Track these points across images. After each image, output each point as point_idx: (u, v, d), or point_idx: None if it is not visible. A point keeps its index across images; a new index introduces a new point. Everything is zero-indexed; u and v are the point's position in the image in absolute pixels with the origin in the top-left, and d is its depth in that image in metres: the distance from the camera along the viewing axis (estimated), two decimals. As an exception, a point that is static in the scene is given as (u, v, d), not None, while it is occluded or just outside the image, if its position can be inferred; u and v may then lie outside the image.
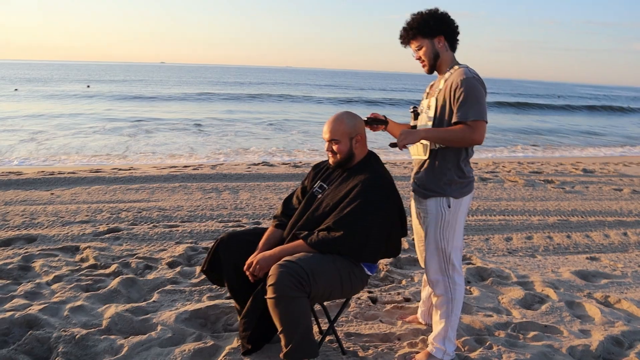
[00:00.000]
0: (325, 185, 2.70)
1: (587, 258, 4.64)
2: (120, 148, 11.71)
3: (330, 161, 2.68)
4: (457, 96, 2.46)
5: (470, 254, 4.35)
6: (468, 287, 3.64)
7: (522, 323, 3.13)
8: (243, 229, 3.99)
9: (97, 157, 10.50)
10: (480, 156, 12.05)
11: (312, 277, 2.32)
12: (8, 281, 3.46)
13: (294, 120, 19.43)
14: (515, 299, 3.50)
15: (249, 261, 2.56)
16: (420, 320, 3.11)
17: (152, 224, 5.07)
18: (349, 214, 2.47)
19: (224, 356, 2.59)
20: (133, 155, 10.79)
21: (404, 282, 3.77)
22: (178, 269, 3.82)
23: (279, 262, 2.35)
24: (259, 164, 9.29)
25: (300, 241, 2.52)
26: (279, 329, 2.35)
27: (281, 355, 2.39)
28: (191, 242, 4.52)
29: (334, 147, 2.61)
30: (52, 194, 6.23)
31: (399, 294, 3.54)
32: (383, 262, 4.03)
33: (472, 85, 2.45)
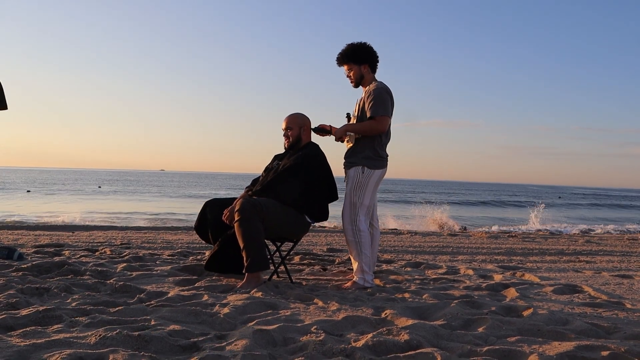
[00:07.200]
0: (279, 162, 3.85)
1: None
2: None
3: (285, 144, 3.84)
4: (369, 99, 3.64)
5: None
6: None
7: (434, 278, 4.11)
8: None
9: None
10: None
11: (266, 208, 3.42)
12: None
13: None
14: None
15: (225, 211, 3.64)
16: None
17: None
18: (283, 170, 3.60)
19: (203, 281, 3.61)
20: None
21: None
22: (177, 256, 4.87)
23: (243, 198, 3.46)
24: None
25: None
26: (242, 246, 3.39)
27: (244, 270, 3.40)
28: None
29: (289, 133, 3.78)
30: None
31: (345, 267, 4.53)
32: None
33: (379, 91, 3.63)
